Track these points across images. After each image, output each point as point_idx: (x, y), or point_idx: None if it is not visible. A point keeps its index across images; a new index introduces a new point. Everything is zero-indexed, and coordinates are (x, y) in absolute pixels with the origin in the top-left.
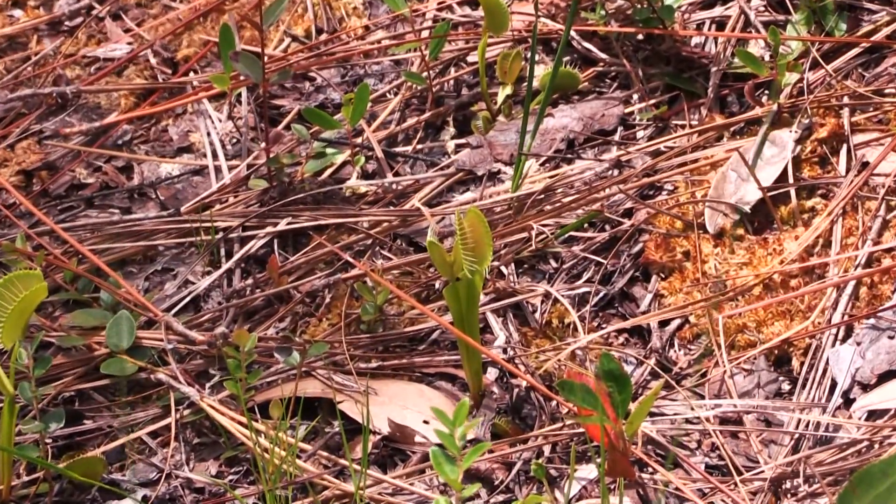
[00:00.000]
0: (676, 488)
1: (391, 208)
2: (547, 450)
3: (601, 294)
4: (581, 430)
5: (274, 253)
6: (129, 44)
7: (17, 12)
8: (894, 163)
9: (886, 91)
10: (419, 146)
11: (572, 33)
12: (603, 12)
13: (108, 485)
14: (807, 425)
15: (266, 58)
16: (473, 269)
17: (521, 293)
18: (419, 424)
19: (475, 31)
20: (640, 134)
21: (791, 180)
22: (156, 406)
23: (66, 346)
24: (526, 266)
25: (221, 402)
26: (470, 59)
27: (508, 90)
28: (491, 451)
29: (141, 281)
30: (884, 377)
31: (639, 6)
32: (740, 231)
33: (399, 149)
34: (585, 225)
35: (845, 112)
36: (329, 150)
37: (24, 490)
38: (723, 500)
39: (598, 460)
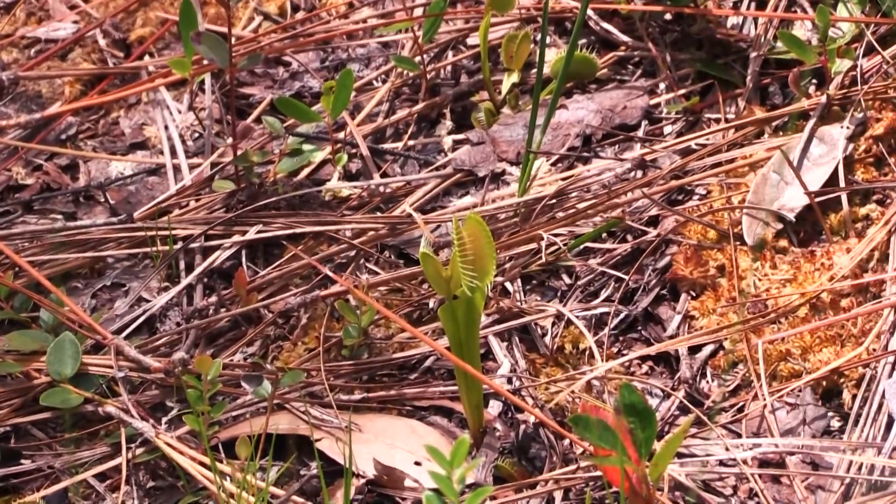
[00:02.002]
0: None
1: (378, 215)
2: (558, 496)
3: (622, 315)
4: (598, 473)
5: (242, 266)
6: (75, 22)
7: None
8: None
9: None
10: (411, 142)
11: (589, 12)
12: None
13: None
14: (859, 468)
15: (233, 39)
16: (473, 285)
17: (529, 314)
18: (410, 466)
19: (476, 9)
20: (667, 129)
21: (842, 184)
22: (104, 443)
23: (0, 373)
24: (535, 282)
25: (180, 439)
26: (470, 41)
27: (515, 78)
28: (494, 498)
29: (87, 298)
30: None
31: None
32: (783, 243)
33: (387, 145)
34: (604, 235)
35: None
36: (306, 147)
37: None
38: None
39: None
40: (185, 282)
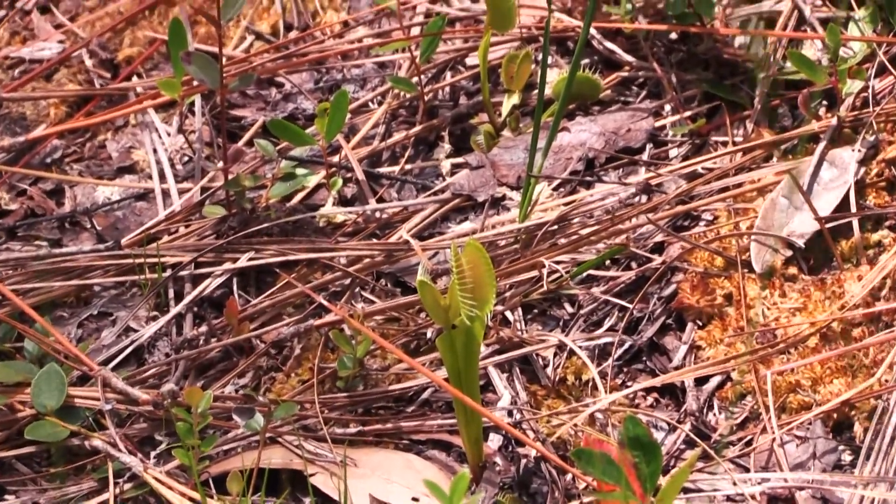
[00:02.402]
0: None
1: (374, 241)
2: None
3: (626, 345)
4: None
5: (233, 294)
6: (61, 42)
7: None
8: None
9: None
10: (408, 166)
11: (592, 31)
12: (629, 6)
13: None
14: (871, 503)
15: (224, 59)
16: (473, 314)
17: (530, 344)
18: (407, 502)
19: (476, 28)
20: (673, 152)
21: (853, 209)
22: (91, 478)
23: None
24: (536, 311)
25: (169, 473)
26: (469, 61)
27: (515, 99)
28: None
29: (73, 328)
30: None
31: None
32: (793, 270)
33: (384, 169)
34: (607, 262)
35: None
36: (300, 171)
37: None
38: None
39: None
40: (174, 311)
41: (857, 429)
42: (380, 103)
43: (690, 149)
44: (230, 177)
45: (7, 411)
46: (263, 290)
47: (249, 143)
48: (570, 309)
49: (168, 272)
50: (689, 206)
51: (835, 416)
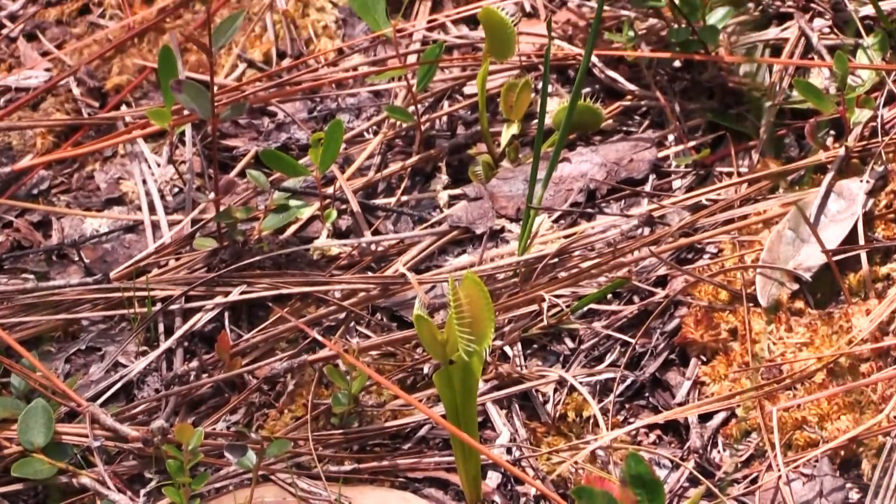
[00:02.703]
0: None
1: (369, 274)
2: None
3: (628, 381)
4: None
5: (224, 329)
6: (48, 70)
7: None
8: None
9: None
10: (404, 198)
11: (593, 59)
12: (631, 33)
13: None
14: None
15: (216, 88)
16: (471, 349)
17: (530, 380)
18: None
19: (474, 56)
20: (676, 183)
21: (862, 241)
22: None
23: None
24: (536, 346)
25: None
26: (467, 90)
27: (514, 129)
28: None
29: (61, 363)
30: None
31: (675, 26)
32: (799, 304)
33: (379, 201)
34: (609, 296)
35: None
36: (293, 203)
37: None
38: None
39: None
40: (164, 346)
41: (865, 466)
42: (375, 133)
43: (694, 180)
44: (222, 208)
45: None
46: (256, 325)
47: (241, 174)
48: (570, 344)
49: (158, 306)
50: (693, 238)
51: (842, 453)
